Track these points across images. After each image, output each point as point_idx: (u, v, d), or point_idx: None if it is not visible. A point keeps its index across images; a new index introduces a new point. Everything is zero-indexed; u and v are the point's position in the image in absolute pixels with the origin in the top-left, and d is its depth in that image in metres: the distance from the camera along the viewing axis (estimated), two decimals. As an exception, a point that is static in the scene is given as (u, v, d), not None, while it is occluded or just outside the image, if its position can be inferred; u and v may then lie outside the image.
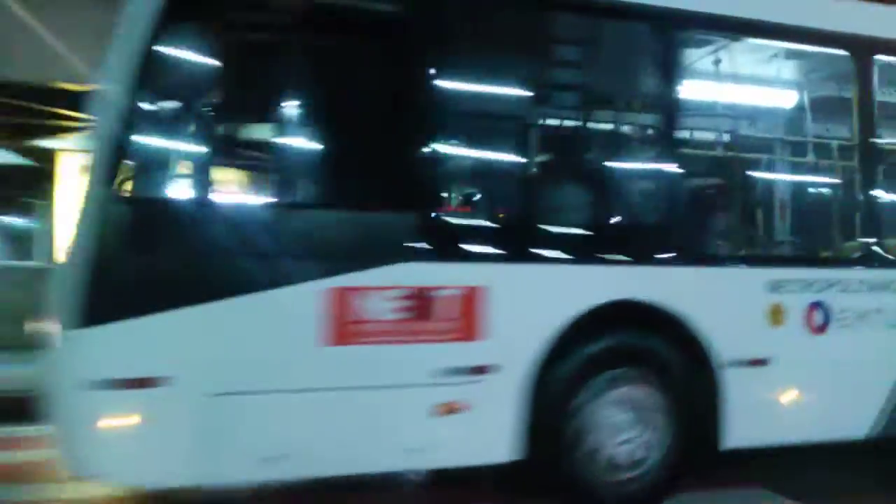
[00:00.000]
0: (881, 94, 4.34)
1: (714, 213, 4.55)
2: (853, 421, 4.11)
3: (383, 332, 3.25)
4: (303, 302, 3.16)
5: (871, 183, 4.22)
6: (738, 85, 4.53)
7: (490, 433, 3.43)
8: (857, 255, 4.23)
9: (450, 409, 3.36)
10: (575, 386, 3.58)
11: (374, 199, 3.38)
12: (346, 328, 3.20)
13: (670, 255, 3.81)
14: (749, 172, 4.75)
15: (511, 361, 3.43)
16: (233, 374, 3.06)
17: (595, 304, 3.55)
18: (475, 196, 4.33)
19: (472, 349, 3.39)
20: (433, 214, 3.48)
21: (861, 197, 4.22)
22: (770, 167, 4.93)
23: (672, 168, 3.88)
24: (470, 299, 3.39)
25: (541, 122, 4.14)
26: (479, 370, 3.39)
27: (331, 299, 3.17)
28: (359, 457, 3.29)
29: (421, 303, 3.32)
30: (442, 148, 3.58)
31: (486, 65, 3.75)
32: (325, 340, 3.17)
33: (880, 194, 4.26)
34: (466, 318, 3.38)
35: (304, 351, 3.18)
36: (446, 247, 3.41)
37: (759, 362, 3.87)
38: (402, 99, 3.47)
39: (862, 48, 4.24)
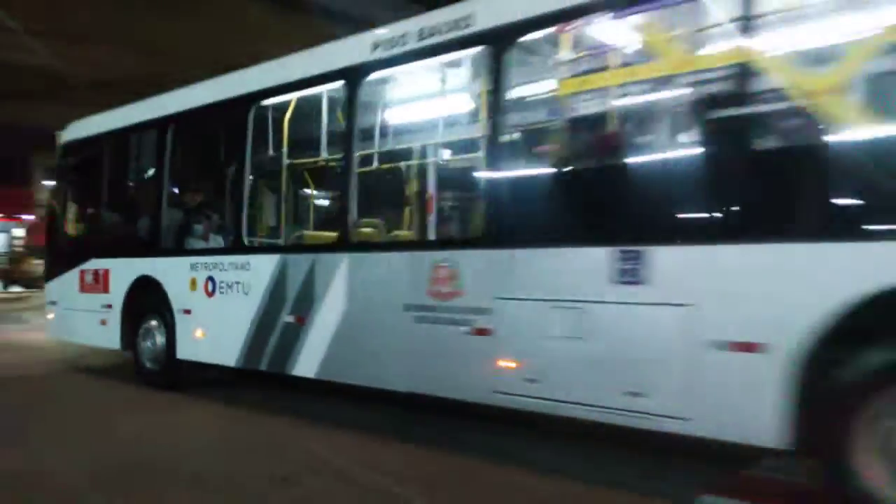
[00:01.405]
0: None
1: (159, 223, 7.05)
2: (228, 354, 6.18)
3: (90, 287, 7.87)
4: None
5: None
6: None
7: (113, 337, 7.54)
8: (228, 245, 6.17)
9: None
10: (139, 317, 7.28)
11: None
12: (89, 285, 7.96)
13: (157, 250, 6.99)
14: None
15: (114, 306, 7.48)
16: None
17: (135, 278, 7.20)
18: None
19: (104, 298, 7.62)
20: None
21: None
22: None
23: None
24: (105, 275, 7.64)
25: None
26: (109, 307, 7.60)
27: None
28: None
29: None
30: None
31: None
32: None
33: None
34: (104, 283, 7.64)
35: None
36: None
37: (187, 311, 6.60)
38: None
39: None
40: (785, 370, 3.29)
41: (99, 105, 8.27)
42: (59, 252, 8.59)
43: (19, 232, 32.83)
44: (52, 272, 8.58)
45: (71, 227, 8.55)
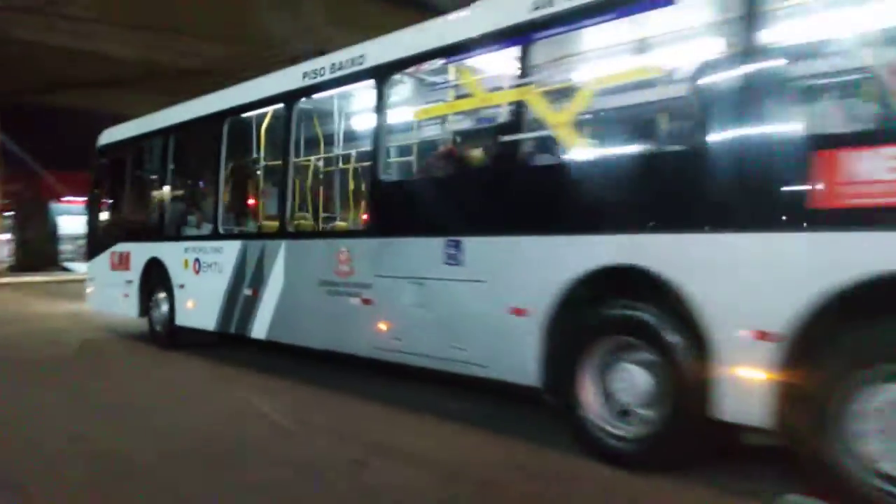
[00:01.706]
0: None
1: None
2: (209, 320, 7.67)
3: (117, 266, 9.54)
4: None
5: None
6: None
7: (133, 307, 9.18)
8: (206, 233, 7.66)
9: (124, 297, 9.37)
10: (151, 291, 8.89)
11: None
12: (116, 264, 9.64)
13: (163, 236, 8.54)
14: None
15: (133, 282, 9.11)
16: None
17: (148, 258, 8.79)
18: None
19: (126, 275, 9.26)
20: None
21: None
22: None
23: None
24: (127, 256, 9.28)
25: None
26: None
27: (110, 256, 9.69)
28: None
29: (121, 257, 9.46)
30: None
31: None
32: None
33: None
34: (127, 263, 9.28)
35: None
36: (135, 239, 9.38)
37: (182, 286, 8.14)
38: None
39: None
40: (539, 328, 4.48)
41: (188, 93, 9.09)
42: (96, 237, 10.34)
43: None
44: (91, 253, 10.35)
45: (104, 217, 10.28)
